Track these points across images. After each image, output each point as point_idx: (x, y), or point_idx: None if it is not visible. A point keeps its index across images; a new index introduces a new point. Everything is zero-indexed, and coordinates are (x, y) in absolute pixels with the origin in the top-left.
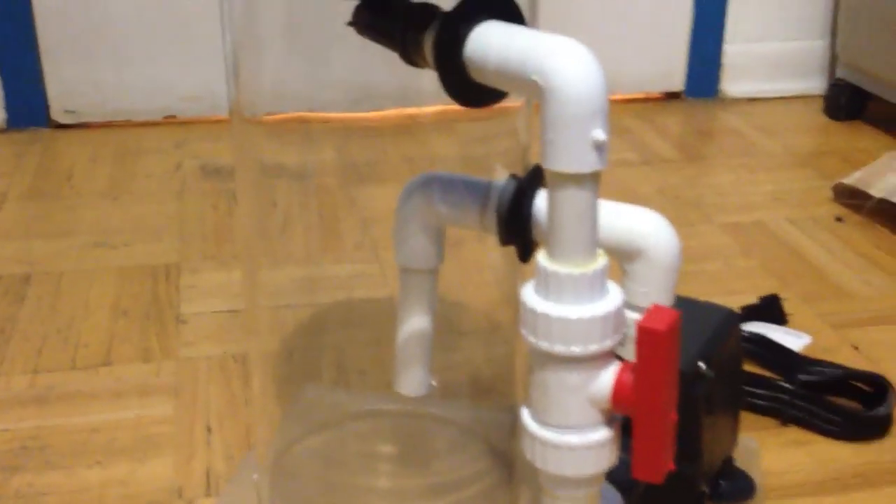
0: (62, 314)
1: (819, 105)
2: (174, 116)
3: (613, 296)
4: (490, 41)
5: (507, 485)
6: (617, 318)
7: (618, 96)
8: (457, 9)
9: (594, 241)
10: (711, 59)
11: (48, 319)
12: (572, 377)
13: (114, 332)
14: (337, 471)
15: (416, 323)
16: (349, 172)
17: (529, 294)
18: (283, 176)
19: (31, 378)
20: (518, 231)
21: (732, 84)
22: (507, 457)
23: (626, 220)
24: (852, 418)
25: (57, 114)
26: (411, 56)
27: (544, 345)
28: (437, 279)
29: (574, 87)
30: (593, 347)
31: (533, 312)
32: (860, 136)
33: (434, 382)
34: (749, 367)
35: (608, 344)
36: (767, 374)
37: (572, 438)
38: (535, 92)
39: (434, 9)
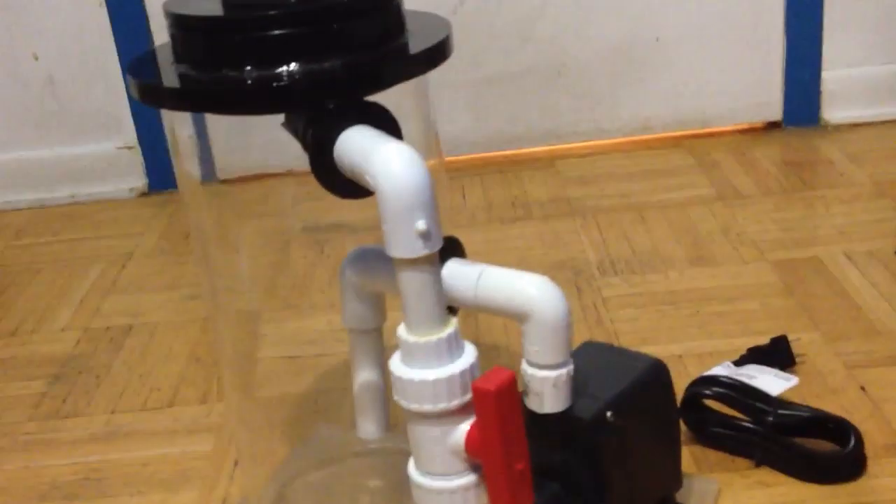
0: (148, 361)
1: None
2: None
3: (464, 359)
4: (347, 145)
5: None
6: (464, 378)
7: (713, 129)
8: (327, 115)
9: (438, 313)
10: (809, 86)
11: (136, 366)
12: (433, 431)
13: (185, 376)
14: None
15: (366, 376)
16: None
17: (394, 359)
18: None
19: (109, 417)
20: None
21: (834, 110)
22: None
23: (515, 285)
24: (812, 459)
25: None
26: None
27: (403, 403)
28: (380, 336)
29: (396, 186)
30: (442, 405)
31: (395, 376)
32: None
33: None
34: (726, 411)
35: (457, 402)
36: (741, 416)
37: (440, 483)
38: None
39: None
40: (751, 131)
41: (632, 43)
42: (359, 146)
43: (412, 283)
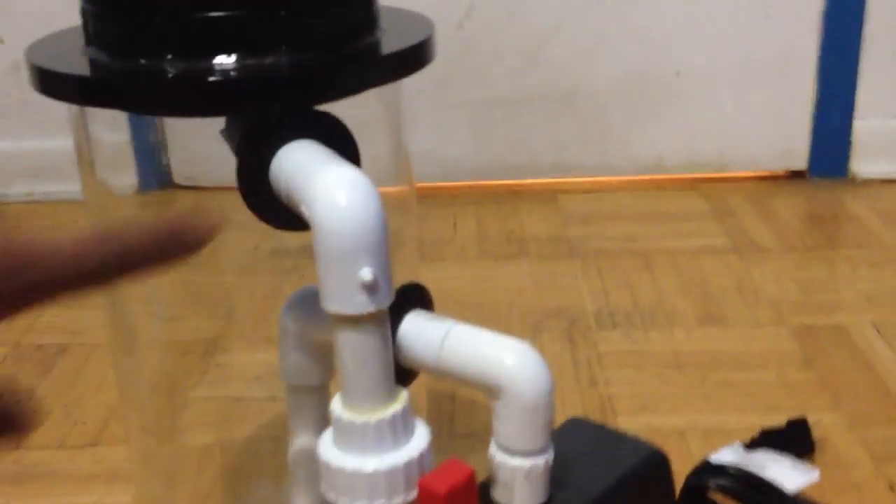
0: (77, 388)
1: None
2: None
3: (413, 444)
4: (286, 163)
5: None
6: (410, 470)
7: (733, 174)
8: (265, 123)
9: (382, 385)
10: (838, 135)
11: (63, 393)
12: None
13: (115, 410)
14: None
15: (303, 442)
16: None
17: (324, 439)
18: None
19: (19, 454)
20: None
21: (864, 163)
22: None
23: (486, 351)
24: None
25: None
26: None
27: (331, 496)
28: (325, 395)
29: (337, 221)
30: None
31: (323, 461)
32: None
33: None
34: None
35: (399, 501)
36: None
37: None
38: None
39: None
40: (772, 179)
41: (649, 74)
42: (298, 166)
43: (351, 346)
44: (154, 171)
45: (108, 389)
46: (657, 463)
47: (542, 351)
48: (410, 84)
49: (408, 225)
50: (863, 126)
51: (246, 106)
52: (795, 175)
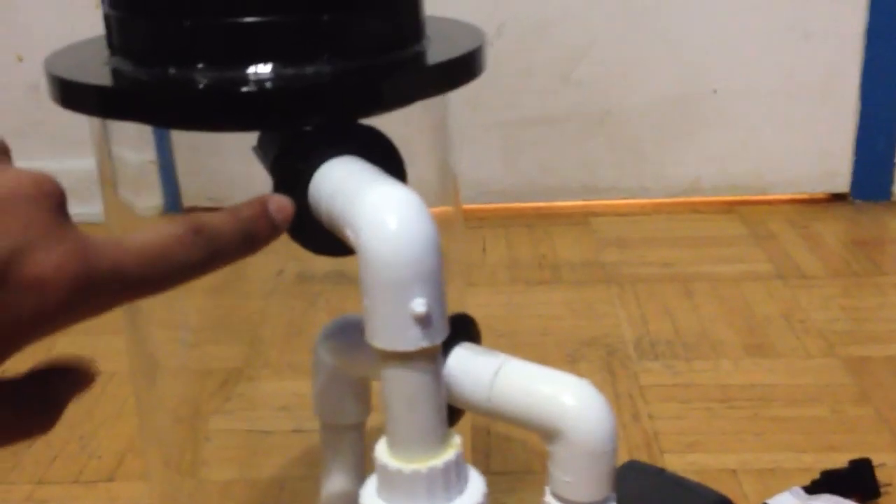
0: (94, 419)
1: None
2: None
3: (467, 497)
4: (327, 183)
5: None
6: None
7: (772, 196)
8: (304, 139)
9: (434, 430)
10: (882, 157)
11: (79, 425)
12: None
13: (134, 443)
14: None
15: (337, 485)
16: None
17: (367, 489)
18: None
19: (32, 489)
20: None
21: None
22: None
23: (544, 390)
24: None
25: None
26: None
27: None
28: (361, 434)
29: (387, 247)
30: None
31: None
32: None
33: None
34: None
35: None
36: None
37: None
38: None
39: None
40: (812, 202)
41: (685, 93)
42: (341, 185)
43: (401, 386)
44: (178, 191)
45: (126, 420)
46: None
47: None
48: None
49: (456, 248)
50: None
51: (283, 120)
52: (837, 198)
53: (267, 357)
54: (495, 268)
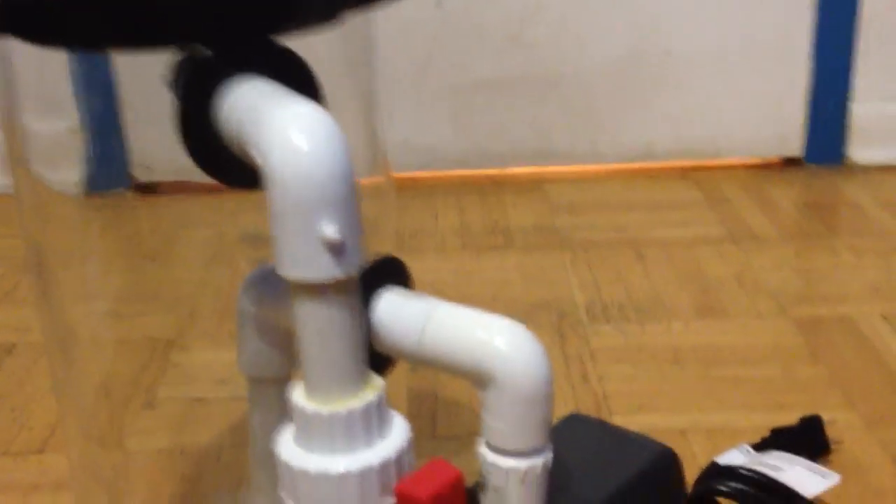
0: (25, 390)
1: None
2: None
3: (390, 443)
4: (236, 101)
5: None
6: (386, 473)
7: (726, 161)
8: (210, 56)
9: (352, 370)
10: (834, 121)
11: (10, 395)
12: None
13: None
14: None
15: (265, 442)
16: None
17: (283, 436)
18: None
19: None
20: None
21: (861, 149)
22: None
23: (476, 334)
24: None
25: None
26: None
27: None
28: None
29: (293, 167)
30: None
31: (281, 461)
32: None
33: None
34: None
35: None
36: None
37: None
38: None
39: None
40: (766, 167)
41: (639, 55)
42: (249, 106)
43: (314, 320)
44: (109, 165)
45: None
46: (667, 463)
47: None
48: (385, 64)
49: (387, 213)
50: (861, 110)
51: (187, 35)
52: (791, 162)
53: (204, 327)
54: (446, 234)
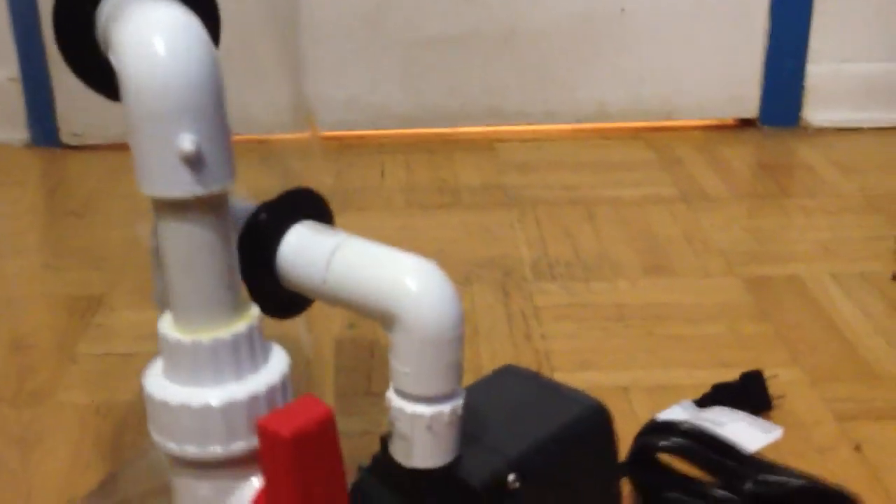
0: None
1: None
2: None
3: (263, 376)
4: (107, 9)
5: None
6: (256, 407)
7: (680, 122)
8: None
9: (218, 296)
10: (791, 82)
11: None
12: (201, 489)
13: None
14: None
15: None
16: None
17: (150, 368)
18: None
19: None
20: (258, 274)
21: (816, 111)
22: None
23: (382, 271)
24: None
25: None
26: None
27: (157, 438)
28: None
29: (149, 71)
30: (215, 449)
31: (147, 393)
32: None
33: None
34: (687, 470)
35: (240, 447)
36: (707, 478)
37: None
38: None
39: None
40: (721, 128)
41: (593, 13)
42: (115, 11)
43: (176, 242)
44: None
45: None
46: (597, 419)
47: (474, 303)
48: (334, 19)
49: (314, 167)
50: (816, 71)
51: None
52: (746, 124)
53: (130, 285)
54: (392, 192)
